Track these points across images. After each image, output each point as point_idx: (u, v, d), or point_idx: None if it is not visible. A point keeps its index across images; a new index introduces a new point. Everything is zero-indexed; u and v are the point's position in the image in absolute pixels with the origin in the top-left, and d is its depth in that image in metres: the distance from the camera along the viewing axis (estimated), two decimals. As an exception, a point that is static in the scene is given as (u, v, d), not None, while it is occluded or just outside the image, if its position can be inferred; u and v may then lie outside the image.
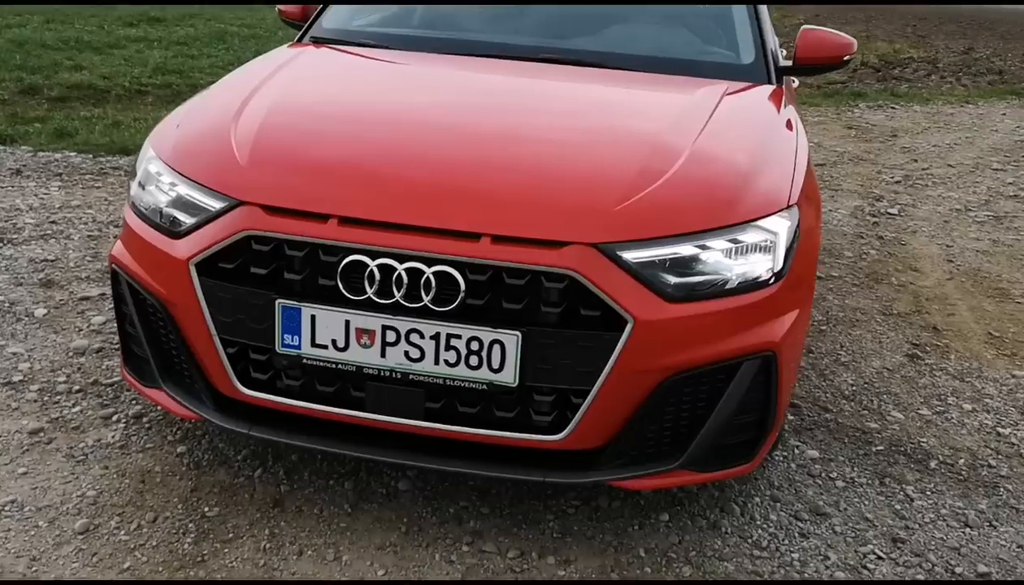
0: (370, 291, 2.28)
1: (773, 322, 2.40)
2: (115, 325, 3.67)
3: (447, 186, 2.41)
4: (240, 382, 2.46)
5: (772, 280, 2.39)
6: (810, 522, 2.70)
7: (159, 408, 3.11)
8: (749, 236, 2.37)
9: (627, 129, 2.80)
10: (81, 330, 3.68)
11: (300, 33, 3.71)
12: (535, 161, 2.55)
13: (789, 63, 3.49)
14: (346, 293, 2.30)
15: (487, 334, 2.25)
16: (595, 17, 3.67)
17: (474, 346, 2.27)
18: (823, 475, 2.94)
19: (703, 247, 2.33)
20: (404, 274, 2.26)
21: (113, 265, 2.70)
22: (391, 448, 2.43)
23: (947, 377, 3.74)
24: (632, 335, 2.24)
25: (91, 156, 6.17)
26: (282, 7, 3.91)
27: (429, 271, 2.26)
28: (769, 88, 3.26)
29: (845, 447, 3.13)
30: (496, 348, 2.26)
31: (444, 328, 2.27)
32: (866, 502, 2.82)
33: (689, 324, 2.29)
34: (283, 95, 2.92)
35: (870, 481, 2.93)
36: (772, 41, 3.60)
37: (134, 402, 3.17)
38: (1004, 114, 10.40)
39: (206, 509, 2.63)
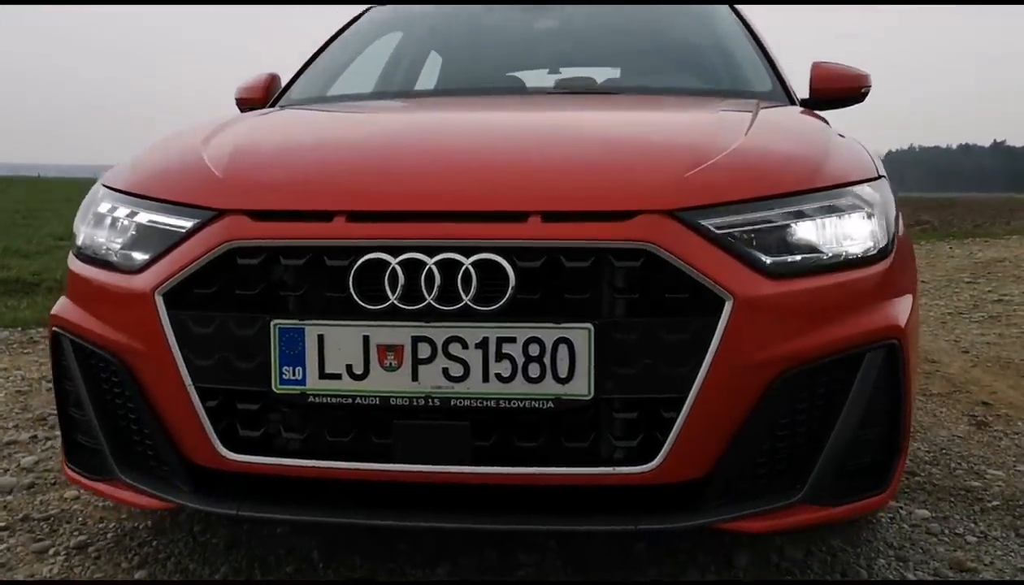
0: (393, 296, 1.78)
1: (890, 304, 1.94)
2: (50, 464, 3.07)
3: (479, 163, 1.97)
4: (224, 445, 1.89)
5: (879, 256, 1.95)
6: (958, 580, 2.14)
7: (107, 536, 2.46)
8: (846, 201, 1.95)
9: (673, 120, 2.42)
10: (8, 471, 3.03)
11: (268, 105, 3.31)
12: (579, 141, 2.14)
13: (805, 97, 3.20)
14: (362, 303, 1.79)
15: (550, 332, 1.75)
16: (589, 54, 3.38)
17: (533, 350, 1.76)
18: (947, 532, 2.40)
19: (797, 213, 1.89)
20: (436, 269, 1.77)
21: (54, 328, 2.15)
22: (426, 510, 1.85)
23: (1025, 438, 3.27)
24: (733, 317, 1.76)
25: (20, 329, 5.59)
26: (241, 93, 3.48)
27: (468, 262, 1.77)
28: (798, 108, 2.94)
29: (956, 506, 2.61)
30: (563, 349, 1.75)
31: (493, 331, 1.76)
32: (1011, 555, 2.28)
33: (797, 303, 1.82)
34: (257, 125, 2.50)
35: (1005, 534, 2.40)
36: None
37: (76, 533, 2.51)
38: (951, 247, 10.45)
39: (161, 578, 1.98)
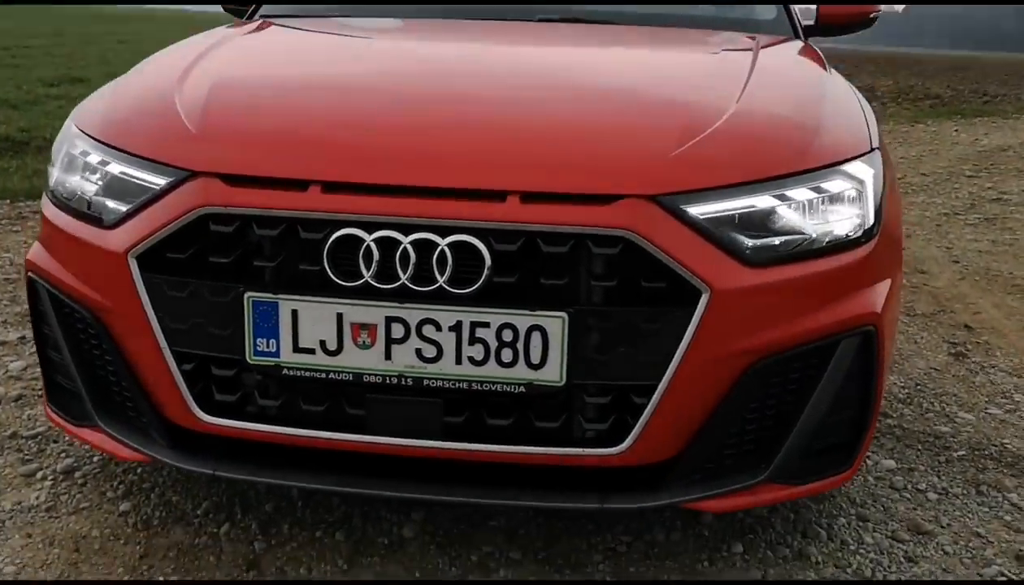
0: (367, 274, 1.76)
1: (869, 290, 1.93)
2: (38, 370, 3.11)
3: (458, 137, 1.92)
4: (200, 408, 1.91)
5: (864, 238, 1.92)
6: (913, 543, 2.21)
7: (94, 459, 2.52)
8: (834, 184, 1.91)
9: (665, 75, 2.34)
10: (-4, 378, 3.07)
11: (247, 14, 3.19)
12: (564, 106, 2.07)
13: (811, 22, 3.08)
14: (336, 279, 1.78)
15: (524, 319, 1.74)
16: None
17: (507, 336, 1.75)
18: (909, 487, 2.46)
19: (782, 197, 1.85)
20: (411, 249, 1.75)
21: (30, 273, 2.13)
22: (400, 480, 1.88)
23: (1003, 374, 3.31)
24: (709, 309, 1.75)
25: (8, 201, 5.55)
26: None
27: (443, 243, 1.75)
28: (799, 43, 2.84)
29: (922, 455, 2.66)
30: (536, 337, 1.75)
31: (467, 315, 1.75)
32: (970, 516, 2.34)
33: (775, 293, 1.81)
34: (235, 59, 2.42)
35: (966, 491, 2.46)
36: None
37: (63, 455, 2.57)
38: (956, 130, 10.29)
39: (160, 579, 2.05)
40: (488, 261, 1.74)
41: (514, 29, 2.88)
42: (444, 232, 1.75)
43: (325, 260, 1.78)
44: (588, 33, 2.84)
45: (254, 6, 3.18)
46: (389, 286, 1.76)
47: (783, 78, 2.38)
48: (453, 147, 1.87)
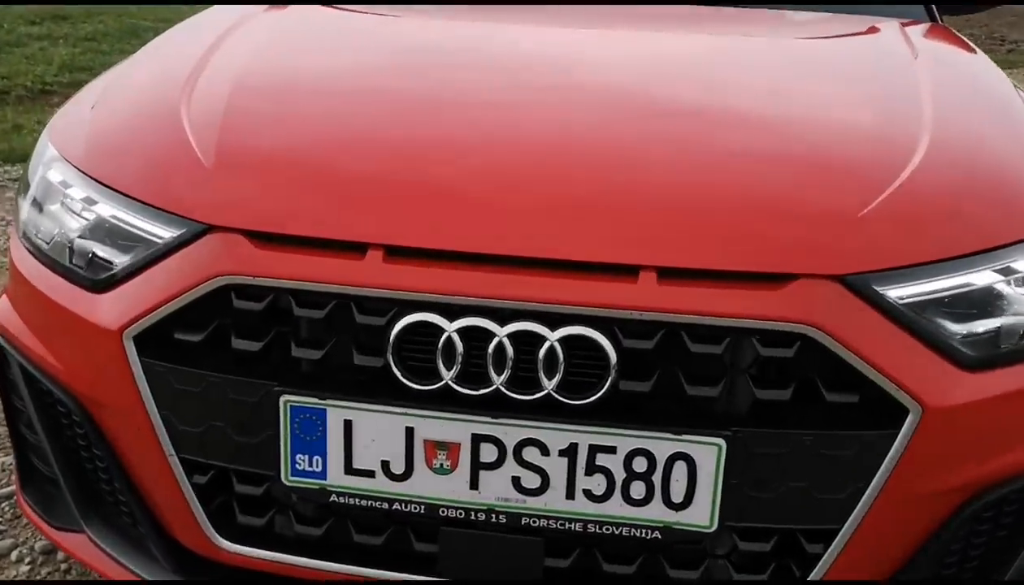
0: (448, 375, 1.30)
1: None
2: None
3: (573, 192, 1.42)
4: (218, 531, 1.45)
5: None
6: None
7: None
8: None
9: (819, 91, 1.80)
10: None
11: None
12: (704, 147, 1.56)
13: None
14: (406, 380, 1.31)
15: (664, 443, 1.28)
16: None
17: (639, 465, 1.29)
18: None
19: (1007, 271, 1.37)
20: (508, 343, 1.28)
21: (-4, 335, 1.66)
22: None
23: None
24: (918, 432, 1.28)
25: (-17, 166, 5.05)
26: None
27: (553, 336, 1.27)
28: (944, 30, 2.32)
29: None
30: (680, 468, 1.29)
31: (585, 435, 1.29)
32: None
33: (1003, 408, 1.34)
34: (264, 52, 1.88)
35: None
36: None
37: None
38: None
39: None
40: (614, 362, 1.27)
41: (605, 15, 2.30)
42: (554, 322, 1.28)
43: (390, 354, 1.31)
44: (691, 19, 2.29)
45: None
46: (478, 392, 1.30)
47: (966, 91, 1.87)
48: (565, 206, 1.38)
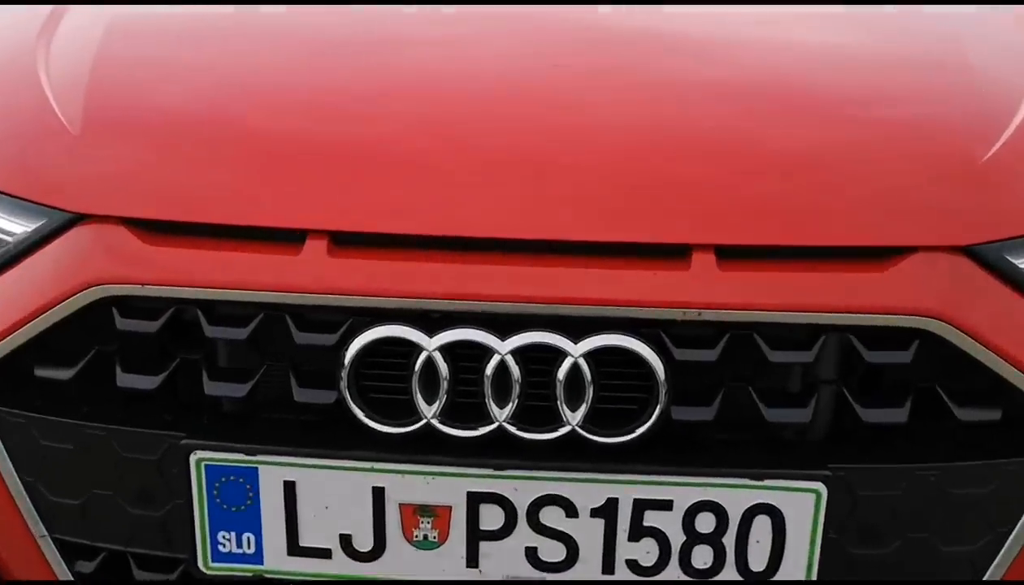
0: (430, 411, 0.92)
1: None
2: None
3: (585, 149, 1.02)
4: (114, 634, 1.05)
5: None
6: None
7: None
8: None
9: (892, 31, 1.38)
10: None
11: None
12: (765, 89, 1.15)
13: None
14: (370, 420, 0.93)
15: (740, 493, 0.92)
16: None
17: (704, 524, 0.92)
18: None
19: None
20: (514, 363, 0.90)
21: None
22: None
23: None
24: (1081, 459, 0.93)
25: None
26: None
27: (576, 351, 0.90)
28: None
29: None
30: (761, 524, 0.92)
31: (628, 487, 0.92)
32: None
33: None
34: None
35: None
36: None
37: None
38: None
39: None
40: (663, 381, 0.90)
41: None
42: (577, 329, 0.91)
43: (345, 385, 0.92)
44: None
45: None
46: (474, 432, 0.93)
47: None
48: (584, 170, 0.99)
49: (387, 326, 0.91)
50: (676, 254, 0.93)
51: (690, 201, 0.96)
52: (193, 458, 0.94)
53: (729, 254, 0.93)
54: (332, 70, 1.16)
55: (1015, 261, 0.95)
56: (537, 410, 0.92)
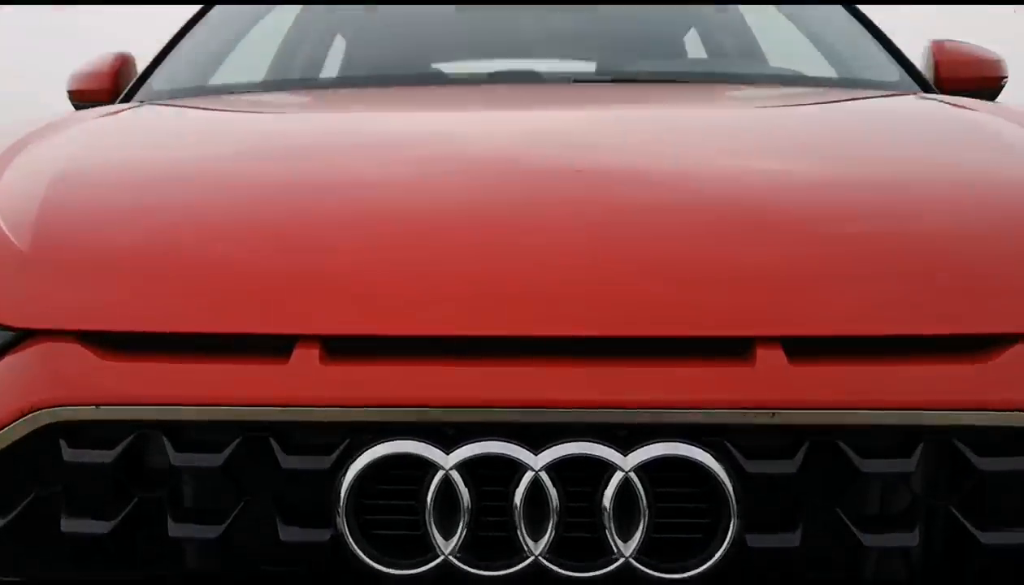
0: (448, 546, 0.74)
1: None
2: None
3: (627, 242, 0.88)
4: None
5: None
6: None
7: None
8: None
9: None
10: None
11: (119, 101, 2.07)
12: (826, 172, 1.03)
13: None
14: (372, 561, 0.75)
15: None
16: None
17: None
18: None
19: None
20: (550, 483, 0.73)
21: None
22: None
23: None
24: None
25: None
26: (77, 83, 2.04)
27: (627, 464, 0.73)
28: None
29: None
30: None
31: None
32: None
33: None
34: (100, 130, 1.34)
35: None
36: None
37: None
38: None
39: None
40: (734, 499, 0.73)
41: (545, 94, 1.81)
42: (625, 440, 0.74)
43: (343, 518, 0.74)
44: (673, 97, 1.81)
45: (135, 82, 2.05)
46: (504, 572, 0.74)
47: None
48: (624, 261, 0.85)
49: (394, 441, 0.75)
50: (740, 346, 0.78)
51: (752, 291, 0.82)
52: (155, 619, 0.75)
53: (797, 346, 0.78)
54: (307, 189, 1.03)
55: None
56: (580, 541, 0.75)
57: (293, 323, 0.80)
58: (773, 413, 0.75)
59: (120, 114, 1.54)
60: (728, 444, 0.75)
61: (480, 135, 1.19)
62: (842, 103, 1.61)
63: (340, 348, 0.79)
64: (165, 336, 0.81)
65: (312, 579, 0.78)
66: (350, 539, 0.75)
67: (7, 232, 0.94)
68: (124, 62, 2.04)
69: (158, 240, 0.91)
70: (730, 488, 0.74)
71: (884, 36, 2.21)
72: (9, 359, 0.83)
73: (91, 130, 1.32)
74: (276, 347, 0.79)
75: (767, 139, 1.18)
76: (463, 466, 0.74)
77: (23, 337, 0.83)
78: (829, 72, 2.11)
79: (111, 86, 2.00)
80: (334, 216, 0.92)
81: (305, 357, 0.78)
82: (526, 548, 0.74)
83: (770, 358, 0.77)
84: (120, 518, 0.79)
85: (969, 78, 2.13)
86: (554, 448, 0.74)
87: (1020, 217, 0.92)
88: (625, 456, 0.74)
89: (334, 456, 0.76)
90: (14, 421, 0.79)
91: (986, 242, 0.88)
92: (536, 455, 0.74)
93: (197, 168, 1.09)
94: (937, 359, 0.78)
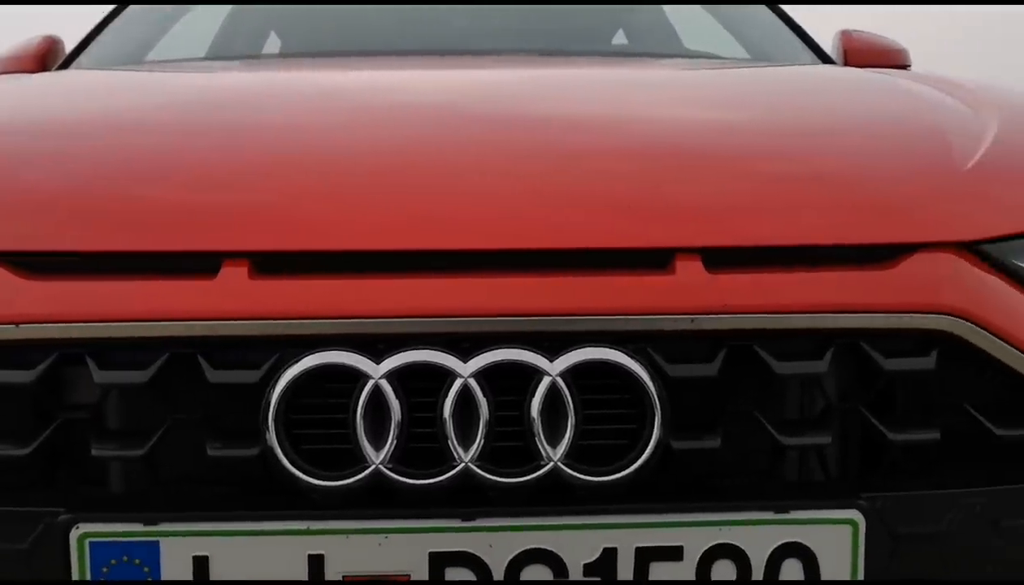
0: (379, 455, 0.74)
1: None
2: None
3: (551, 149, 0.92)
4: None
5: None
6: None
7: None
8: None
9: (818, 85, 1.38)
10: None
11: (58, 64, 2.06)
12: (739, 108, 1.10)
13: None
14: (301, 472, 0.75)
15: (762, 531, 0.75)
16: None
17: (723, 572, 0.75)
18: None
19: None
20: (479, 390, 0.75)
21: None
22: None
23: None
24: None
25: None
26: (2, 65, 2.11)
27: (554, 369, 0.75)
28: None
29: None
30: (791, 568, 0.76)
31: (627, 532, 0.75)
32: None
33: None
34: (30, 85, 1.34)
35: None
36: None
37: None
38: None
39: None
40: (657, 403, 0.75)
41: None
42: (554, 344, 0.76)
43: (271, 430, 0.74)
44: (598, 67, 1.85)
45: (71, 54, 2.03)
46: (434, 480, 0.75)
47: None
48: (550, 171, 0.88)
49: (322, 352, 0.75)
50: (659, 259, 0.81)
51: (672, 207, 0.85)
52: (74, 535, 0.73)
53: (715, 259, 0.81)
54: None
55: (1015, 261, 0.86)
56: (509, 448, 0.76)
57: (220, 240, 0.80)
58: (692, 319, 0.78)
59: (46, 74, 1.52)
60: (650, 350, 0.77)
61: (412, 84, 1.22)
62: (755, 69, 1.68)
63: (267, 265, 0.79)
64: (89, 255, 0.80)
65: (241, 495, 0.77)
66: (279, 452, 0.74)
67: None
68: (52, 44, 1.99)
69: (84, 165, 0.90)
70: (654, 392, 0.76)
71: (800, 28, 2.32)
72: None
73: (16, 85, 1.30)
74: (203, 265, 0.79)
75: (687, 90, 1.23)
76: (393, 375, 0.75)
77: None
78: (744, 55, 2.21)
79: (38, 69, 1.96)
80: (261, 146, 0.93)
81: (233, 274, 0.78)
82: (456, 456, 0.75)
83: (689, 268, 0.80)
84: (40, 440, 0.77)
85: (875, 65, 2.23)
86: (483, 355, 0.76)
87: (920, 144, 0.97)
88: (552, 362, 0.76)
89: (263, 370, 0.76)
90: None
91: (890, 164, 0.93)
92: (465, 363, 0.76)
93: (125, 111, 1.10)
94: (845, 267, 0.82)
